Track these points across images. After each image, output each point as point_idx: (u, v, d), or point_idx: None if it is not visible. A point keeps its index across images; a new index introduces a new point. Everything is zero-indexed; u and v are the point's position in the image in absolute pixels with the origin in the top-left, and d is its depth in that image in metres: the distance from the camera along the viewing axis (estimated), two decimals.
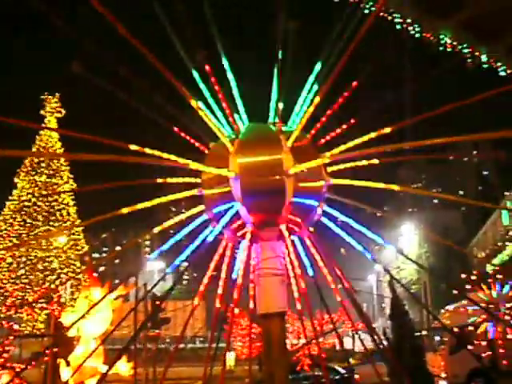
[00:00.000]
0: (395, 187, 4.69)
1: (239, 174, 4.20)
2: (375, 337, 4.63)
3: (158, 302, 16.41)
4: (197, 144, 4.84)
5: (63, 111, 39.81)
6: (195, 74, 4.51)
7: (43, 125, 37.43)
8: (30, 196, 38.04)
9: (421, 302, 30.56)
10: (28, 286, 34.78)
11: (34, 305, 21.68)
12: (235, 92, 4.62)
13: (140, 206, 4.35)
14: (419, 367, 13.26)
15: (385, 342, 9.29)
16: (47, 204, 38.45)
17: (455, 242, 15.15)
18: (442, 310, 22.56)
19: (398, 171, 72.65)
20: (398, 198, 67.34)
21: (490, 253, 40.25)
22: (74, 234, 38.81)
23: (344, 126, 4.83)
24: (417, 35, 10.80)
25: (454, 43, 10.58)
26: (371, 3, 5.84)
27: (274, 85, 4.63)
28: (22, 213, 37.85)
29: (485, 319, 16.90)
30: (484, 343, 17.03)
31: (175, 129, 4.83)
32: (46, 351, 11.85)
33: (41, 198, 38.12)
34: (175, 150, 4.31)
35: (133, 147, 3.94)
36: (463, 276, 17.91)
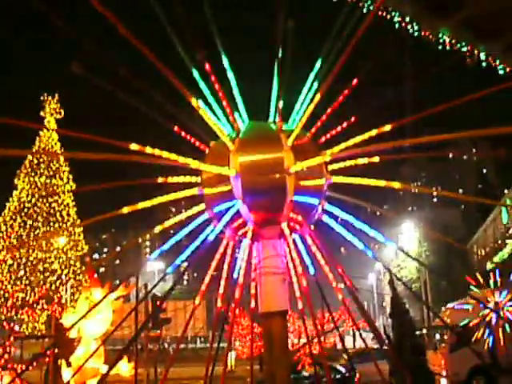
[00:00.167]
0: (396, 185, 4.68)
1: (240, 172, 4.20)
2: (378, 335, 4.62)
3: (158, 303, 16.42)
4: (197, 143, 4.83)
5: (63, 112, 39.83)
6: (195, 73, 4.49)
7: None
8: (30, 197, 38.04)
9: (421, 299, 30.46)
10: (29, 288, 34.82)
11: (34, 306, 21.69)
12: (235, 91, 4.60)
13: (140, 205, 4.34)
14: (420, 365, 13.21)
15: (386, 341, 9.28)
16: (47, 205, 38.45)
17: (455, 241, 15.11)
18: (443, 308, 22.54)
19: (401, 169, 72.77)
20: (398, 196, 67.44)
21: (490, 251, 40.30)
22: (74, 234, 38.81)
23: (344, 124, 4.82)
24: (415, 34, 10.81)
25: (453, 41, 10.58)
26: (370, 2, 5.84)
27: (275, 83, 4.62)
28: (22, 214, 37.85)
29: (485, 316, 16.87)
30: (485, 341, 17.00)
31: (175, 128, 4.82)
32: (47, 352, 11.88)
33: (41, 199, 38.11)
34: (175, 149, 4.31)
35: (133, 146, 3.94)
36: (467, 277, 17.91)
